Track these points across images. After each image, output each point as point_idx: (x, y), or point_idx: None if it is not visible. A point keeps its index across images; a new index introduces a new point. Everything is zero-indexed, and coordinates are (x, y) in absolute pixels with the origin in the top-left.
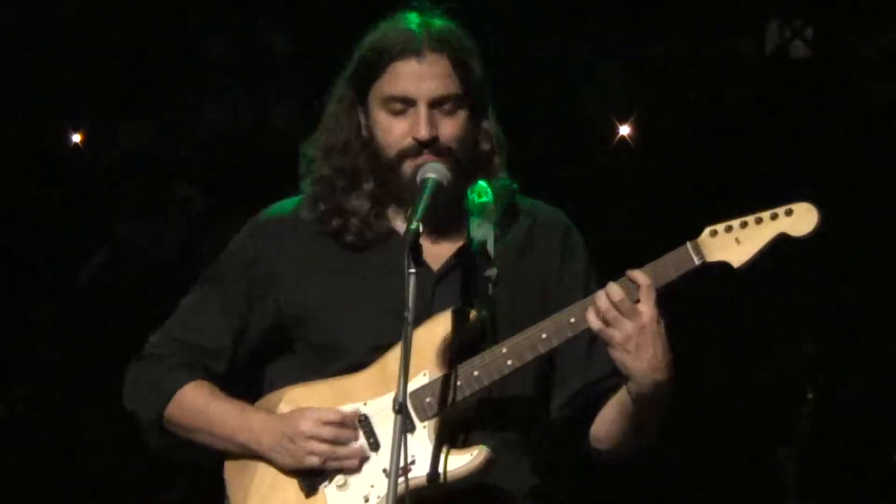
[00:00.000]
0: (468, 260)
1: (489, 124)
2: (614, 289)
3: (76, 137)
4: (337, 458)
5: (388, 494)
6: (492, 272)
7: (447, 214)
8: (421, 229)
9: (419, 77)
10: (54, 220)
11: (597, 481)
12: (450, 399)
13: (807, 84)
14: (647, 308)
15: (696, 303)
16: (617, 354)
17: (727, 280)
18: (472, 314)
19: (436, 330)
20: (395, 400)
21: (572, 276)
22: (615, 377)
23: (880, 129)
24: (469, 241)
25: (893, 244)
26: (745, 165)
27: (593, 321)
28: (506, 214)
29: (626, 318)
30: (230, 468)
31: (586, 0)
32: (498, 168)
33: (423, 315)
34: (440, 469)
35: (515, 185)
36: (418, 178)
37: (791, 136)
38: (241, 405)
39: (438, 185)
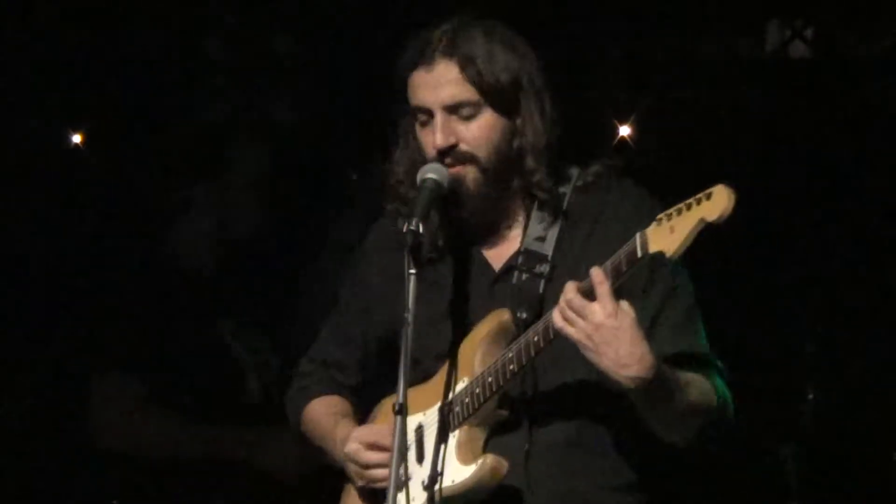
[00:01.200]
0: (522, 259)
1: (522, 123)
2: (568, 287)
3: (76, 137)
4: (370, 480)
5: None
6: (543, 269)
7: (507, 216)
8: (421, 229)
9: (430, 86)
10: (54, 221)
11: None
12: (470, 406)
13: (807, 84)
14: (600, 306)
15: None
16: (583, 352)
17: (727, 278)
18: (505, 316)
19: (476, 335)
20: (394, 403)
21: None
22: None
23: (880, 130)
24: (523, 238)
25: (894, 243)
26: (744, 165)
27: (556, 320)
28: (565, 206)
29: (579, 317)
30: (346, 483)
31: (586, 0)
32: (533, 167)
33: (482, 318)
34: (451, 480)
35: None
36: (418, 179)
37: (791, 136)
38: (338, 420)
39: (438, 185)
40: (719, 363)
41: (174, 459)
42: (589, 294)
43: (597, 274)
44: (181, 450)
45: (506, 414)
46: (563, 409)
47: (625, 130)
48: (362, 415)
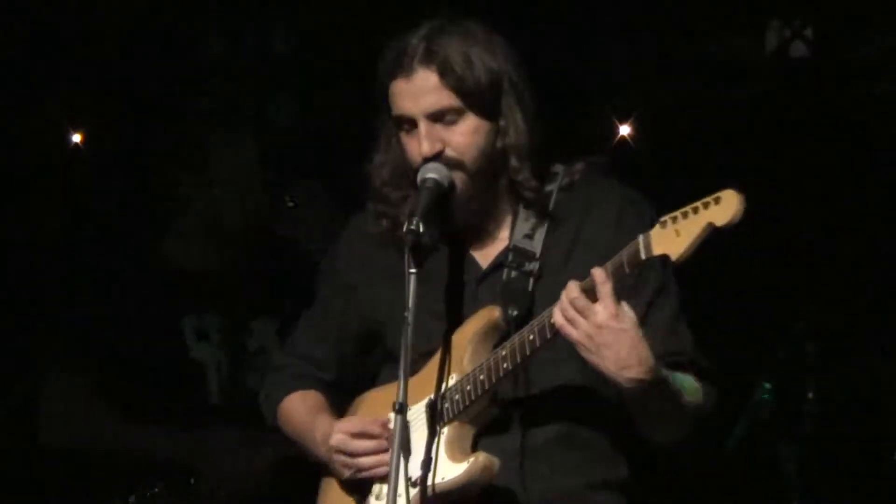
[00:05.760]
0: (512, 257)
1: (505, 123)
2: (571, 286)
3: (76, 137)
4: (360, 469)
5: (387, 501)
6: (532, 266)
7: (491, 214)
8: (422, 229)
9: (411, 95)
10: (54, 221)
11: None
12: (461, 404)
13: (807, 84)
14: (602, 306)
15: (694, 301)
16: (583, 355)
17: (727, 278)
18: (496, 313)
19: (465, 332)
20: (395, 401)
21: None
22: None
23: (880, 130)
24: (511, 236)
25: (894, 242)
26: (744, 165)
27: (557, 319)
28: (550, 205)
29: (582, 317)
30: (324, 477)
31: (586, 0)
32: (516, 168)
33: (469, 316)
34: (441, 477)
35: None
36: (418, 179)
37: (791, 135)
38: (316, 416)
39: (438, 185)
40: (705, 363)
41: (117, 457)
42: (590, 294)
43: (599, 274)
44: (123, 448)
45: (497, 412)
46: (555, 408)
47: (625, 130)
48: (338, 411)
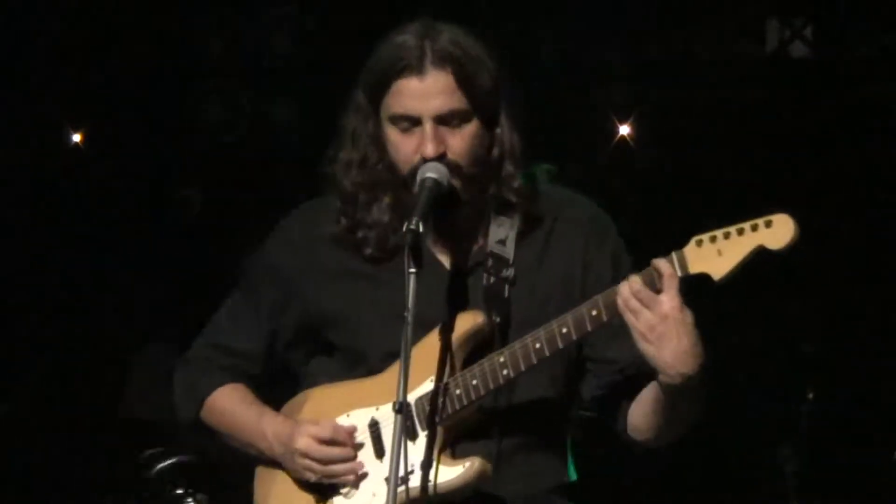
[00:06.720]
0: (486, 262)
1: (501, 130)
2: (634, 278)
3: (76, 137)
4: (330, 476)
5: (387, 499)
6: (508, 272)
7: (470, 220)
8: (421, 229)
9: (422, 95)
10: (54, 220)
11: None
12: (449, 408)
13: (807, 84)
14: (668, 297)
15: (694, 302)
16: (641, 345)
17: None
18: (480, 318)
19: (448, 335)
20: (395, 402)
21: (598, 271)
22: (637, 364)
23: (880, 129)
24: (486, 242)
25: (893, 243)
26: (744, 165)
27: (622, 308)
28: (530, 211)
29: (646, 308)
30: (260, 472)
31: (587, 1)
32: (511, 175)
33: (440, 319)
34: (433, 480)
35: (544, 175)
36: (418, 178)
37: (791, 135)
38: (261, 411)
39: (438, 185)
40: None
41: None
42: (651, 286)
43: (667, 267)
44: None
45: (481, 417)
46: (532, 416)
47: (625, 130)
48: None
